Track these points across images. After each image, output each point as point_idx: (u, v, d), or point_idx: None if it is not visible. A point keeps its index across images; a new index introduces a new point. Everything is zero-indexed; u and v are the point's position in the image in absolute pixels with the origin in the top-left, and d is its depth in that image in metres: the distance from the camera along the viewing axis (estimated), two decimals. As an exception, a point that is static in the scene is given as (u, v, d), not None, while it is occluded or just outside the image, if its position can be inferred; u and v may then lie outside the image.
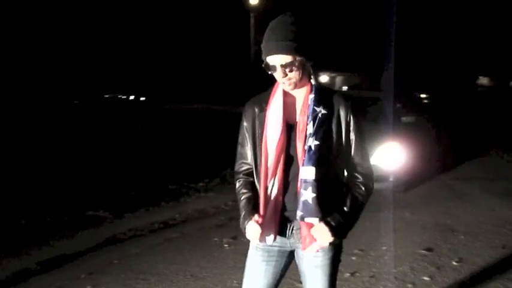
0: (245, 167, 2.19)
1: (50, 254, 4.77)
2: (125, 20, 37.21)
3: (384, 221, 5.69)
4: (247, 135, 2.14)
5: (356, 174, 2.09)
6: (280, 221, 2.06)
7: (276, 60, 1.96)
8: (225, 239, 5.06)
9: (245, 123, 2.14)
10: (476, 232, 5.32)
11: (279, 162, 2.01)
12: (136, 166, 8.97)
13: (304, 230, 2.02)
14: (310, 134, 1.96)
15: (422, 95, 25.83)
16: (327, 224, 1.97)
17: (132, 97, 47.21)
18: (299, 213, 1.98)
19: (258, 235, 1.99)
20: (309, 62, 2.03)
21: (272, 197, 2.03)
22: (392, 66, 13.60)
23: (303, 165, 1.96)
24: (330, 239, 1.98)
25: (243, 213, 2.10)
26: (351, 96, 2.14)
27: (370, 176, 2.11)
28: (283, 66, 1.95)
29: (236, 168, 2.23)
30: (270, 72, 2.02)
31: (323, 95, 2.03)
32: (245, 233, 2.05)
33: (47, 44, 33.67)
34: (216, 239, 5.12)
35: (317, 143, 1.95)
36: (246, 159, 2.17)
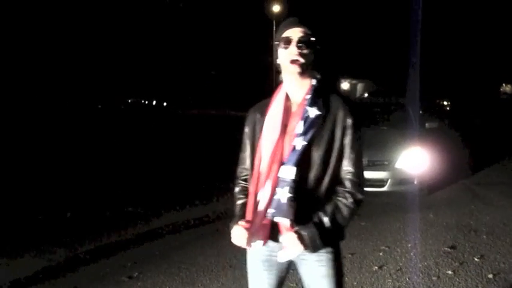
0: (245, 173, 2.16)
1: (96, 245, 5.14)
2: (150, 26, 37.82)
3: (409, 221, 5.98)
4: (247, 141, 2.12)
5: (345, 182, 1.97)
6: (273, 228, 1.97)
7: (294, 34, 1.95)
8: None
9: (246, 129, 2.13)
10: (498, 232, 5.55)
11: (272, 168, 1.94)
12: (168, 168, 9.38)
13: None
14: (298, 134, 1.91)
15: (445, 102, 25.89)
16: (298, 233, 1.87)
17: (154, 102, 48.08)
18: (270, 210, 1.91)
19: (244, 240, 1.92)
20: (319, 61, 2.01)
21: (262, 203, 1.95)
22: (418, 73, 13.83)
23: (284, 163, 1.91)
24: (300, 249, 1.89)
25: (234, 218, 2.06)
26: (351, 100, 2.16)
27: (360, 186, 1.99)
28: (300, 41, 1.93)
29: (237, 174, 2.20)
30: (281, 49, 1.97)
31: (320, 96, 1.97)
32: (232, 237, 1.98)
33: (72, 49, 34.37)
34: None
35: (304, 143, 1.89)
36: (245, 164, 2.14)
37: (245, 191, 2.10)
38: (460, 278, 4.19)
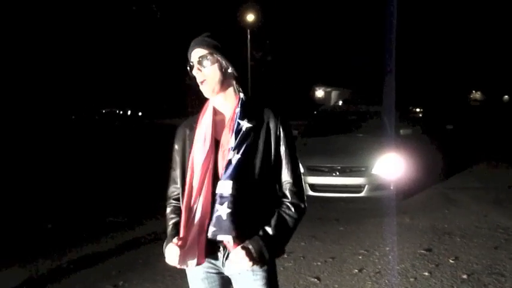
0: (176, 192, 2.08)
1: (79, 255, 5.16)
2: (123, 37, 37.67)
3: (386, 226, 6.16)
4: (177, 158, 2.05)
5: (286, 193, 1.95)
6: (210, 244, 1.91)
7: (194, 56, 1.94)
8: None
9: (176, 146, 2.06)
10: (471, 235, 5.76)
11: (205, 180, 1.89)
12: (146, 176, 9.40)
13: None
14: (231, 147, 1.87)
15: (417, 109, 26.46)
16: (245, 248, 1.81)
17: (129, 112, 47.82)
18: (211, 228, 1.86)
19: (177, 258, 1.83)
20: (231, 68, 1.95)
21: (196, 219, 1.89)
22: (393, 81, 14.17)
23: (220, 179, 1.86)
24: (248, 264, 1.82)
25: (166, 238, 1.98)
26: (280, 109, 2.11)
27: (301, 196, 1.97)
28: (199, 62, 1.92)
29: (168, 194, 2.13)
30: (193, 75, 1.96)
31: (250, 109, 1.95)
32: (165, 257, 1.90)
33: (44, 59, 34.01)
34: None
35: (238, 156, 1.85)
36: (177, 183, 2.06)
37: (177, 211, 2.03)
38: (436, 279, 4.36)
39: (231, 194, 1.83)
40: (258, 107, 1.98)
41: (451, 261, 4.83)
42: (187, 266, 1.90)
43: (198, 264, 1.90)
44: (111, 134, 19.65)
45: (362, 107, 9.49)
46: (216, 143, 1.93)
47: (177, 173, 2.05)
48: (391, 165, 7.26)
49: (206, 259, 1.93)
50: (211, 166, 1.90)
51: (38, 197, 7.59)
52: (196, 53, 1.93)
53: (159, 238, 5.80)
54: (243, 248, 1.81)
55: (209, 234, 1.86)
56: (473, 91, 44.12)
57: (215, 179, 1.89)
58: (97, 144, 15.33)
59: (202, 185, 1.89)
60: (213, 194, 1.88)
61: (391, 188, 7.18)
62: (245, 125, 1.90)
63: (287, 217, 1.92)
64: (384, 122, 8.37)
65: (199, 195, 1.89)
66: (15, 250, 5.16)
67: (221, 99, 1.99)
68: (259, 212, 1.89)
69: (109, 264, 5.01)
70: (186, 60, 1.98)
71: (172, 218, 2.04)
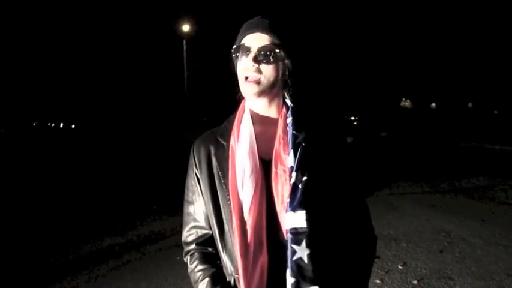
0: (200, 233, 1.57)
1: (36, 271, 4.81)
2: (53, 47, 36.42)
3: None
4: (199, 186, 1.54)
5: (355, 232, 1.53)
6: None
7: (253, 43, 1.45)
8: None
9: (196, 171, 1.55)
10: (416, 240, 5.87)
11: (261, 215, 1.41)
12: (83, 195, 9.02)
13: None
14: (292, 167, 1.41)
15: (352, 117, 27.18)
16: None
17: (61, 124, 46.06)
18: (290, 280, 1.35)
19: None
20: (290, 76, 1.51)
21: (257, 271, 1.39)
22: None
23: (286, 210, 1.38)
24: None
25: None
26: (333, 119, 1.75)
27: (372, 235, 1.57)
28: (260, 50, 1.44)
29: (184, 237, 1.61)
30: (237, 60, 1.51)
31: (304, 119, 1.52)
32: None
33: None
34: (178, 257, 5.32)
35: (305, 179, 1.39)
36: (200, 221, 1.56)
37: (207, 259, 1.54)
38: (387, 286, 4.37)
39: (308, 228, 1.36)
40: (310, 116, 1.55)
41: (400, 267, 4.87)
42: None
43: None
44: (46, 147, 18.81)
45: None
46: (262, 161, 1.47)
47: (199, 207, 1.56)
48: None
49: None
50: (264, 191, 1.43)
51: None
52: (256, 40, 1.44)
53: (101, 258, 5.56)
54: None
55: (288, 286, 1.36)
56: (403, 99, 45.93)
57: (269, 209, 1.43)
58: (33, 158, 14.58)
59: (259, 223, 1.40)
60: (269, 232, 1.41)
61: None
62: (302, 138, 1.45)
63: (365, 264, 1.55)
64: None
65: (258, 237, 1.40)
66: None
67: (262, 106, 1.52)
68: (335, 254, 1.47)
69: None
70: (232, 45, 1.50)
71: (204, 270, 1.52)
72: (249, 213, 1.40)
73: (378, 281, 4.48)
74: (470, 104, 42.10)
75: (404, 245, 5.68)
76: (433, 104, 47.89)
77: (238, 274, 1.41)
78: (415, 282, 4.43)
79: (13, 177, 11.79)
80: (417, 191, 9.38)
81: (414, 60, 37.50)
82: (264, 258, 1.39)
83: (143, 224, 6.86)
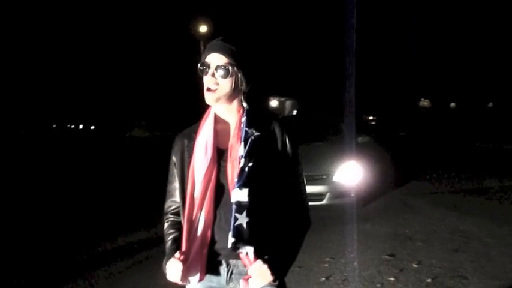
0: (174, 206, 2.00)
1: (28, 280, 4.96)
2: (73, 50, 36.94)
3: (348, 233, 6.21)
4: (175, 170, 1.97)
5: (294, 205, 1.92)
6: (211, 259, 1.84)
7: (212, 61, 1.84)
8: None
9: (174, 158, 1.99)
10: (431, 239, 5.88)
11: (207, 191, 1.83)
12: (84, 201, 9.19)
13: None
14: (241, 156, 1.80)
15: (370, 117, 27.06)
16: (267, 262, 1.74)
17: (81, 126, 46.65)
18: (231, 239, 1.73)
19: (179, 274, 1.75)
20: (245, 84, 1.89)
21: (199, 231, 1.82)
22: (353, 91, 14.47)
23: (234, 187, 1.77)
24: (269, 279, 1.74)
25: (166, 254, 1.89)
26: (284, 119, 2.10)
27: (307, 208, 1.96)
28: (217, 68, 1.83)
29: (165, 209, 2.04)
30: (201, 74, 1.89)
31: (256, 118, 1.90)
32: (166, 274, 1.82)
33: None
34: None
35: (250, 164, 1.79)
36: (175, 196, 1.99)
37: (176, 225, 1.96)
38: (402, 283, 4.41)
39: (248, 202, 1.75)
40: (262, 117, 1.93)
41: (414, 265, 4.90)
42: (189, 283, 1.83)
43: (200, 280, 1.83)
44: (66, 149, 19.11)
45: (319, 115, 9.60)
46: (218, 152, 1.87)
47: (174, 186, 1.99)
48: (352, 173, 7.34)
49: (207, 275, 1.86)
50: (214, 176, 1.85)
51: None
52: (215, 59, 1.85)
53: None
54: (265, 261, 1.73)
55: (229, 245, 1.74)
56: (422, 99, 45.48)
57: (219, 189, 1.84)
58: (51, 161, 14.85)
59: (205, 196, 1.83)
60: (216, 205, 1.84)
61: (352, 195, 7.26)
62: (254, 133, 1.85)
63: (298, 232, 1.90)
64: (343, 130, 8.49)
65: (202, 207, 1.83)
66: None
67: (224, 109, 1.92)
68: (272, 222, 1.83)
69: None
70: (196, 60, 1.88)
71: (171, 233, 1.96)
72: (200, 190, 1.83)
73: (392, 279, 4.52)
74: (490, 104, 41.50)
75: (420, 243, 5.70)
76: (453, 104, 47.35)
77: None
78: (429, 280, 4.46)
79: (30, 179, 12.04)
80: (434, 191, 9.36)
81: (434, 59, 37.16)
82: (208, 223, 1.82)
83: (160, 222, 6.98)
